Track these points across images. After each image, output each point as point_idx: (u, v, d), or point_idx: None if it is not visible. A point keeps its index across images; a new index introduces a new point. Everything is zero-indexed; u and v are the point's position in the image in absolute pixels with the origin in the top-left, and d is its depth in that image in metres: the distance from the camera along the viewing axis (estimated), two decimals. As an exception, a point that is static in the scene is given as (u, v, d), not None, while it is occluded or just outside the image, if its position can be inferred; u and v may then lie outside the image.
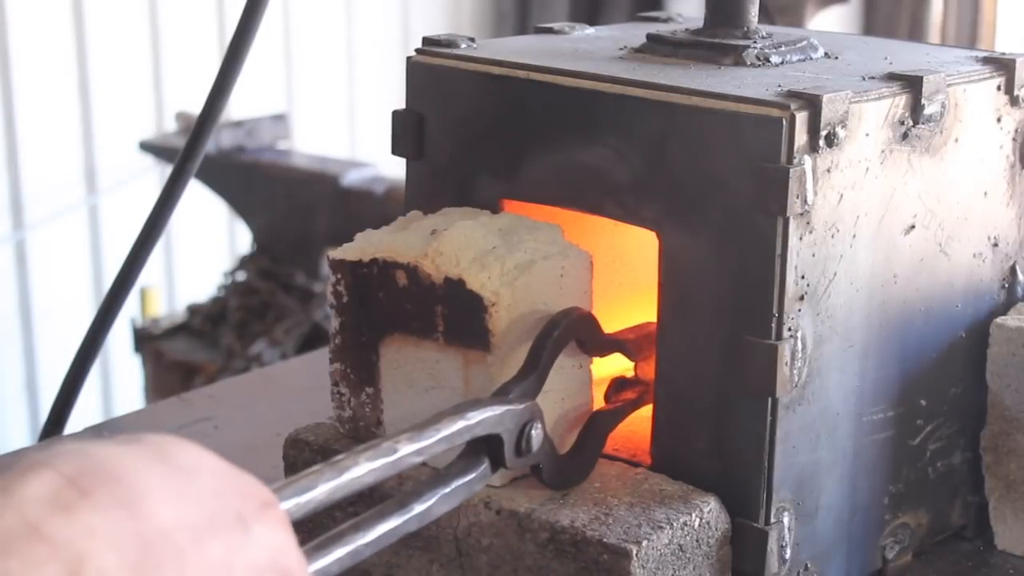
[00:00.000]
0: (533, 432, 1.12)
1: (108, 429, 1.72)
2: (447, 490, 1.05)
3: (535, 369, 1.17)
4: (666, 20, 1.51)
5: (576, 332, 1.21)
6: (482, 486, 1.08)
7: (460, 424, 1.04)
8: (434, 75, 1.37)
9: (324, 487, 0.90)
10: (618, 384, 1.31)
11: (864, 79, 1.26)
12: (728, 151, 1.18)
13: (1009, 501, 1.39)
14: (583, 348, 1.24)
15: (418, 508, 1.01)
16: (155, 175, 4.57)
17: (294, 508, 0.87)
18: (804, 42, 1.36)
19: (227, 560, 0.74)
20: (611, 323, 1.35)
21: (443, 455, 1.05)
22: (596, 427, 1.25)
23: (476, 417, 1.06)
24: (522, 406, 1.11)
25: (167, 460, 0.76)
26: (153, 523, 0.72)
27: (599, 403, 1.31)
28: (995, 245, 1.38)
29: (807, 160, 1.17)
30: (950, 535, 1.41)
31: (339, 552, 0.92)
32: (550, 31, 1.48)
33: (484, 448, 1.08)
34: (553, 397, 1.26)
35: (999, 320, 1.36)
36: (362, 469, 0.94)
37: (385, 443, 0.97)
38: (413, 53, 1.39)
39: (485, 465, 1.08)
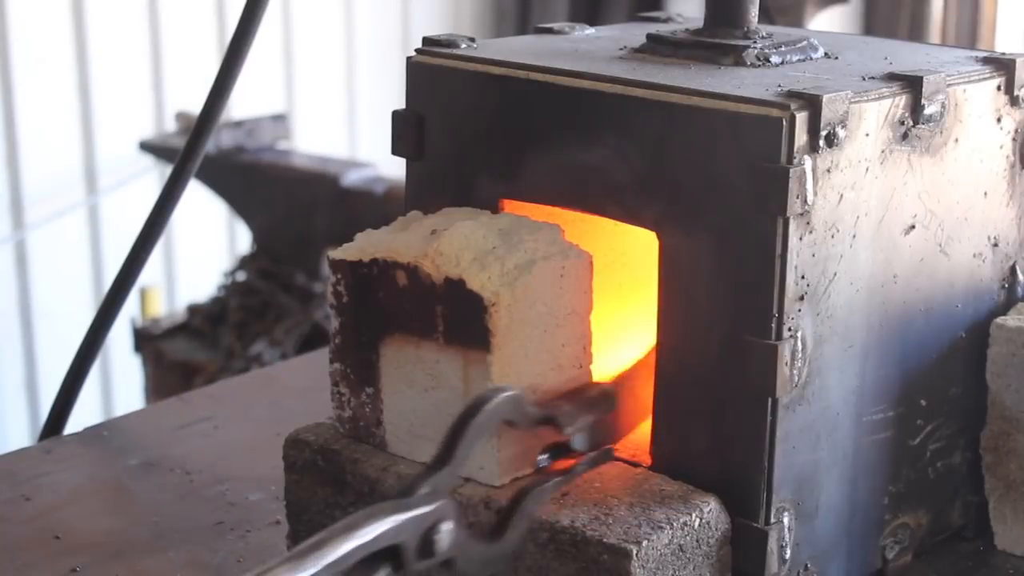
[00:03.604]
0: (436, 537, 1.00)
1: (108, 429, 1.73)
2: None
3: (448, 462, 1.04)
4: (666, 20, 1.51)
5: (500, 417, 1.10)
6: None
7: (350, 545, 0.92)
8: (434, 75, 1.37)
9: None
10: (552, 452, 1.22)
11: (864, 79, 1.26)
12: (728, 151, 1.18)
13: (1009, 501, 1.39)
14: (511, 426, 1.13)
15: None
16: (155, 175, 4.57)
17: None
18: (804, 42, 1.36)
19: None
20: (611, 323, 1.35)
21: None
22: (522, 506, 1.14)
23: (370, 533, 0.94)
24: (428, 509, 0.99)
25: None
26: None
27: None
28: (995, 245, 1.38)
29: (807, 160, 1.17)
30: (950, 535, 1.41)
31: None
32: (550, 31, 1.48)
33: (382, 555, 0.96)
34: (553, 397, 1.26)
35: (999, 320, 1.36)
36: None
37: None
38: (413, 53, 1.39)
39: (384, 575, 0.97)
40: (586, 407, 1.20)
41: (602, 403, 1.23)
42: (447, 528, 1.01)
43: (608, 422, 1.24)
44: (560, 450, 1.23)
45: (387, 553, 0.97)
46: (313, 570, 0.89)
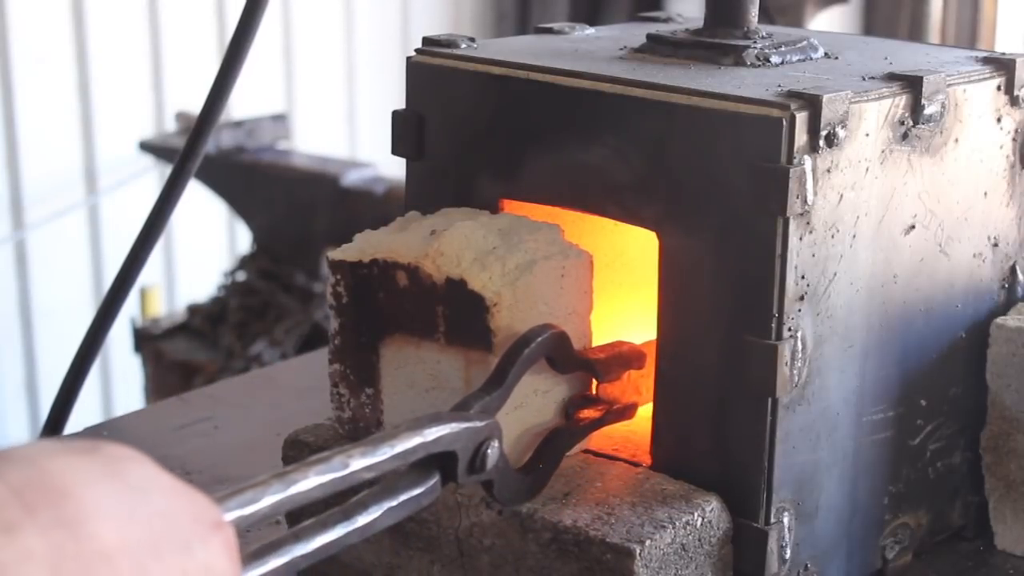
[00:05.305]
0: (489, 451, 1.07)
1: (108, 429, 1.73)
2: (394, 503, 1.00)
3: (500, 385, 1.13)
4: (666, 20, 1.51)
5: (547, 350, 1.18)
6: (430, 500, 1.03)
7: (416, 440, 1.00)
8: (434, 75, 1.37)
9: (269, 499, 0.87)
10: (580, 402, 1.27)
11: (864, 79, 1.26)
12: (728, 151, 1.18)
13: (1009, 501, 1.39)
14: (553, 366, 1.21)
15: (362, 520, 0.98)
16: (155, 175, 4.57)
17: (238, 520, 0.84)
18: (804, 42, 1.36)
19: None
20: (611, 323, 1.35)
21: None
22: (554, 444, 1.21)
23: (433, 434, 1.02)
24: (482, 424, 1.07)
25: (120, 476, 0.74)
26: (95, 546, 0.70)
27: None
28: (995, 245, 1.38)
29: (807, 160, 1.17)
30: (950, 535, 1.41)
31: (275, 562, 0.90)
32: (550, 31, 1.48)
33: (436, 463, 1.04)
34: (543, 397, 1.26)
35: (999, 320, 1.36)
36: (310, 483, 0.90)
37: (337, 457, 0.94)
38: (413, 53, 1.39)
39: (436, 480, 1.03)
40: (621, 361, 1.27)
41: (635, 359, 1.28)
42: (494, 448, 1.08)
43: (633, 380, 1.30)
44: (587, 402, 1.28)
45: (439, 460, 1.04)
46: (384, 456, 0.97)
